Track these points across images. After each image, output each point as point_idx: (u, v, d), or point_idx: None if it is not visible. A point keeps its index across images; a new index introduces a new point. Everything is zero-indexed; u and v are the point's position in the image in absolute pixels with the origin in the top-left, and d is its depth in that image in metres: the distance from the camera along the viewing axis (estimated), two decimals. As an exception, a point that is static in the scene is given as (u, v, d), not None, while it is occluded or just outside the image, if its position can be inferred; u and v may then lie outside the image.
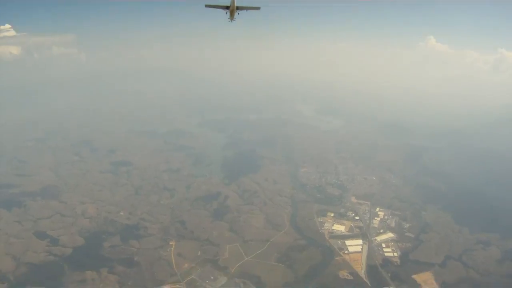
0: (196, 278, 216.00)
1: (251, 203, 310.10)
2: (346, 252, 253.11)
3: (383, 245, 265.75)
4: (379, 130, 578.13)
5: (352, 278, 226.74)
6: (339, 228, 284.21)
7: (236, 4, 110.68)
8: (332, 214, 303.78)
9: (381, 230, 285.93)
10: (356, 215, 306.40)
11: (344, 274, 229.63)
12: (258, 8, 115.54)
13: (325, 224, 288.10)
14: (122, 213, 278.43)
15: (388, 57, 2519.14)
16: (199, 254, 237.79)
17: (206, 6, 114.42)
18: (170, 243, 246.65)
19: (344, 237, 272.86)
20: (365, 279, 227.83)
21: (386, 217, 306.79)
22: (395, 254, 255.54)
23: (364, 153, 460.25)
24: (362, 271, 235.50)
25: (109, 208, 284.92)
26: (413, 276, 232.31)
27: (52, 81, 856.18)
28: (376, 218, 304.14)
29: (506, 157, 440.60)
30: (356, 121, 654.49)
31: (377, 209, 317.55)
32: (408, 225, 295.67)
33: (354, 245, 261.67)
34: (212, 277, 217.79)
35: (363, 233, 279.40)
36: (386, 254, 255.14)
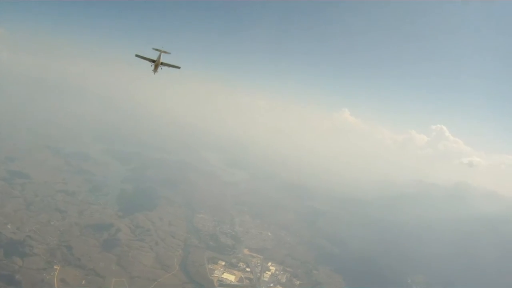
0: None
1: (142, 240, 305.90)
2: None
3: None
4: (281, 189, 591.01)
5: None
6: (229, 277, 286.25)
7: (161, 60, 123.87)
8: (223, 263, 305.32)
9: (271, 284, 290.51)
10: (248, 266, 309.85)
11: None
12: (178, 67, 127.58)
13: (215, 272, 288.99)
14: (9, 226, 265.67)
15: (303, 121, 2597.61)
16: (83, 283, 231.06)
17: (136, 56, 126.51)
18: (55, 266, 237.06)
19: (233, 287, 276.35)
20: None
21: (277, 272, 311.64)
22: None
23: (263, 208, 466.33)
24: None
25: None
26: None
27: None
28: (267, 272, 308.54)
29: (401, 229, 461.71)
30: (260, 176, 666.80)
31: (269, 264, 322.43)
32: (299, 282, 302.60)
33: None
34: None
35: (253, 285, 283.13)
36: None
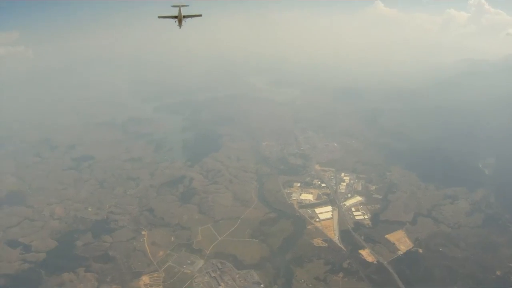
0: (173, 264, 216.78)
1: (216, 183, 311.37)
2: (317, 220, 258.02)
3: (353, 209, 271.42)
4: (334, 97, 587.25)
5: (326, 245, 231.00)
6: (307, 197, 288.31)
7: (182, 14, 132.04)
8: (299, 184, 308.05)
9: (349, 195, 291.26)
10: (322, 182, 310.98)
11: (318, 242, 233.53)
12: (200, 15, 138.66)
13: (293, 195, 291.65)
14: (90, 209, 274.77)
15: (336, 25, 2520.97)
16: (172, 240, 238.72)
17: (159, 17, 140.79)
18: (142, 233, 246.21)
19: (313, 205, 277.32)
20: (339, 245, 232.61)
21: (352, 181, 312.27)
22: (366, 216, 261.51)
23: (323, 121, 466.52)
24: (335, 237, 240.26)
25: (76, 206, 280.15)
26: (386, 236, 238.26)
27: (1, 83, 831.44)
28: (342, 183, 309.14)
29: (461, 112, 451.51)
30: (310, 90, 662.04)
31: (342, 175, 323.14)
32: (374, 187, 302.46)
33: (324, 212, 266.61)
34: (188, 261, 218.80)
35: (332, 200, 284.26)
36: (356, 217, 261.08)
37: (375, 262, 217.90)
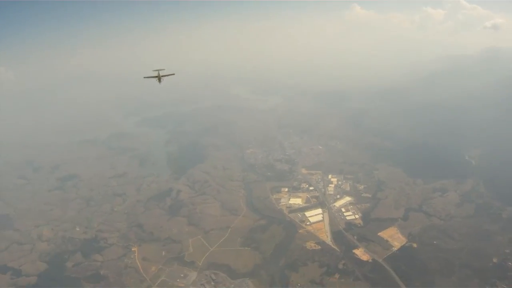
0: (166, 279, 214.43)
1: (204, 193, 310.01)
2: (308, 223, 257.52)
3: (343, 209, 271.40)
4: (317, 101, 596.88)
5: (320, 247, 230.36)
6: (296, 201, 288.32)
7: (161, 75, 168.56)
8: (286, 189, 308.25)
9: (338, 196, 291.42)
10: (310, 185, 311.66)
11: (311, 245, 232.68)
12: (173, 74, 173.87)
13: (282, 200, 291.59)
14: (78, 229, 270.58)
15: (315, 30, 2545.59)
16: (163, 254, 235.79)
17: (144, 77, 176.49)
18: (133, 249, 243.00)
19: (303, 209, 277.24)
20: (333, 246, 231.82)
21: (339, 182, 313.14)
22: (357, 216, 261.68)
23: (306, 125, 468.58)
24: (328, 239, 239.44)
25: (64, 226, 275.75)
26: (379, 234, 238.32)
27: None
28: (330, 185, 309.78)
29: (444, 107, 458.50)
30: (292, 96, 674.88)
31: (330, 176, 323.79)
32: (363, 186, 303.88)
33: (315, 215, 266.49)
34: (182, 275, 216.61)
35: (321, 202, 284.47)
36: (347, 218, 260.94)
37: (370, 260, 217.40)
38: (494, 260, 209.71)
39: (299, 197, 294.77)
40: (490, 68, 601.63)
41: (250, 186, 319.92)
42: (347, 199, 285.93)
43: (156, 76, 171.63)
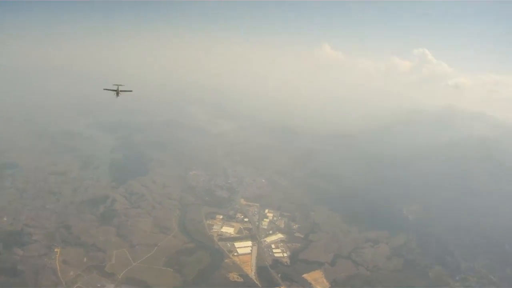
0: (82, 286, 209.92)
1: (139, 207, 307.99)
2: (235, 254, 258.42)
3: (273, 246, 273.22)
4: (270, 134, 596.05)
5: (242, 280, 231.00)
6: (228, 230, 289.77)
7: (119, 90, 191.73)
8: (221, 217, 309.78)
9: (270, 231, 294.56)
10: (245, 217, 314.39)
11: (234, 276, 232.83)
12: (131, 91, 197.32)
13: (214, 227, 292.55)
14: (5, 219, 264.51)
15: (283, 63, 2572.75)
16: (85, 260, 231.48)
17: (104, 89, 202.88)
18: (55, 249, 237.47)
19: (234, 239, 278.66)
20: (255, 280, 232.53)
21: (275, 218, 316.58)
22: (285, 254, 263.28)
23: (254, 156, 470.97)
24: (252, 273, 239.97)
25: None
26: (304, 275, 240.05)
27: None
28: (265, 219, 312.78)
29: (393, 160, 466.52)
30: (247, 124, 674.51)
31: (266, 211, 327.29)
32: (297, 225, 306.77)
33: (244, 247, 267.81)
34: (98, 285, 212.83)
35: (253, 235, 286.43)
36: (276, 254, 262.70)
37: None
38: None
39: (232, 226, 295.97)
40: (447, 128, 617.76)
41: (186, 208, 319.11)
42: (279, 236, 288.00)
43: (115, 90, 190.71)
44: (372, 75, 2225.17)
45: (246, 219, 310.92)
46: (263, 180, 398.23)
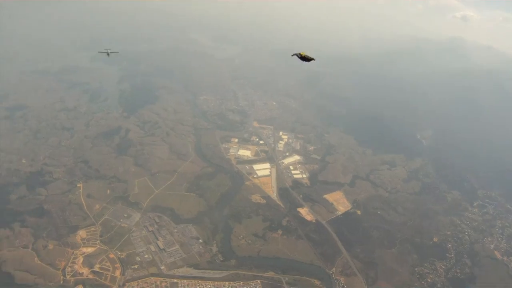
0: (109, 218, 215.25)
1: (153, 135, 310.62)
2: (255, 176, 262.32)
3: (291, 167, 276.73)
4: (276, 57, 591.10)
5: (265, 201, 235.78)
6: (245, 153, 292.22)
7: (109, 52, 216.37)
8: (236, 140, 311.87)
9: (287, 153, 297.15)
10: (260, 139, 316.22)
11: (256, 198, 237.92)
12: (117, 52, 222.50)
13: (231, 150, 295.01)
14: (24, 161, 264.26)
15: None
16: (108, 192, 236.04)
17: (98, 52, 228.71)
18: (78, 185, 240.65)
19: (251, 161, 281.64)
20: (278, 202, 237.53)
21: (290, 140, 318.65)
22: (304, 175, 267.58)
23: (262, 79, 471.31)
24: (274, 194, 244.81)
25: (10, 157, 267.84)
26: (325, 196, 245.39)
27: None
28: (280, 141, 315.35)
29: (401, 85, 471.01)
30: (252, 48, 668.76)
31: (281, 133, 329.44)
32: (313, 147, 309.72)
33: (263, 169, 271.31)
34: (125, 215, 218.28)
35: (270, 157, 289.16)
36: (295, 176, 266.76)
37: (313, 221, 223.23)
38: (435, 239, 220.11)
39: (249, 149, 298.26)
40: (454, 58, 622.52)
41: (200, 133, 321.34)
42: (296, 157, 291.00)
43: (106, 52, 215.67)
44: (377, 1, 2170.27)
45: (261, 142, 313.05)
46: (274, 103, 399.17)
